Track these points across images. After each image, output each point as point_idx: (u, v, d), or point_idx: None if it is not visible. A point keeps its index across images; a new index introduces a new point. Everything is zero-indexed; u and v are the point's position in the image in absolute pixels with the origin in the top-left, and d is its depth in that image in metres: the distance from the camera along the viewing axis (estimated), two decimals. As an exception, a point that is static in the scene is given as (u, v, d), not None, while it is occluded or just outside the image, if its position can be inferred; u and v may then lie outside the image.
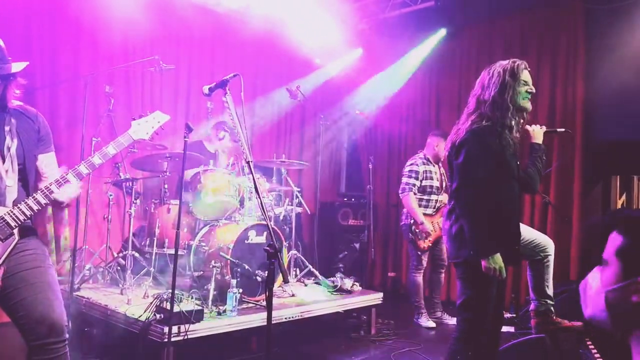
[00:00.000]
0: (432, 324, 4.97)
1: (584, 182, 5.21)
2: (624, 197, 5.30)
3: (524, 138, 2.69)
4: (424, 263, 5.05)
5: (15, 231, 2.06)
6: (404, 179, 4.92)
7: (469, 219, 2.41)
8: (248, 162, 2.20)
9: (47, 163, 2.27)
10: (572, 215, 5.20)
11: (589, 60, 5.24)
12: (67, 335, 2.15)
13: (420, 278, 5.02)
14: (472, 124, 2.51)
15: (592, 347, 3.58)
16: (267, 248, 2.04)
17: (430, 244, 4.93)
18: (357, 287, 4.72)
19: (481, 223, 2.40)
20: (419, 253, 4.94)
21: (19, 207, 2.05)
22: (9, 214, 2.03)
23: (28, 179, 2.19)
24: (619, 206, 5.26)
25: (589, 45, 5.26)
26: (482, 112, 2.51)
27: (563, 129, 2.93)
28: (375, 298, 4.67)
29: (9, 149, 2.09)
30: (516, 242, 2.61)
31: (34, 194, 2.07)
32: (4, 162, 2.07)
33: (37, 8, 4.58)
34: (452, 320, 5.12)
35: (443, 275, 5.22)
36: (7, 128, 2.11)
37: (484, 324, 2.46)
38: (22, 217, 2.05)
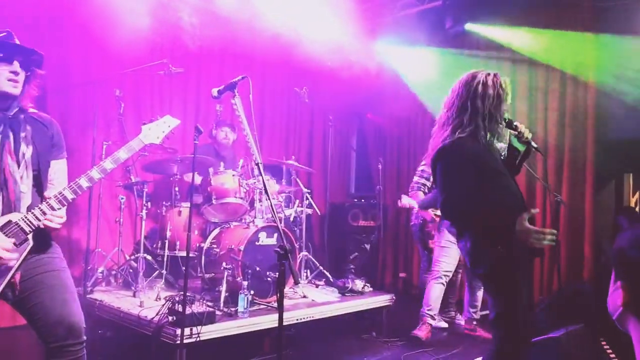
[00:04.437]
0: (444, 324, 4.94)
1: (596, 180, 5.15)
2: (637, 195, 5.25)
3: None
4: (436, 264, 5.03)
5: (30, 236, 2.07)
6: (415, 178, 4.89)
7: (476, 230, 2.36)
8: (257, 164, 2.21)
9: (56, 169, 2.29)
10: (584, 214, 5.15)
11: (600, 56, 5.18)
12: (84, 337, 2.17)
13: (431, 279, 5.00)
14: (453, 132, 2.44)
15: (606, 346, 3.54)
16: (278, 249, 2.04)
17: None
18: (368, 288, 4.71)
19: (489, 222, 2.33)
20: (427, 253, 4.93)
21: (32, 213, 2.06)
22: (23, 219, 2.05)
23: (42, 186, 2.21)
24: (632, 204, 5.21)
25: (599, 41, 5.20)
26: (465, 122, 2.42)
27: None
28: (386, 299, 4.66)
29: (24, 155, 2.11)
30: None
31: (48, 200, 2.09)
32: (18, 167, 2.09)
33: (47, 15, 4.62)
34: (464, 321, 5.09)
35: (459, 276, 5.19)
36: (22, 134, 2.14)
37: (520, 334, 2.37)
38: (36, 223, 2.06)
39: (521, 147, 2.54)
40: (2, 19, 3.65)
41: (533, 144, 2.48)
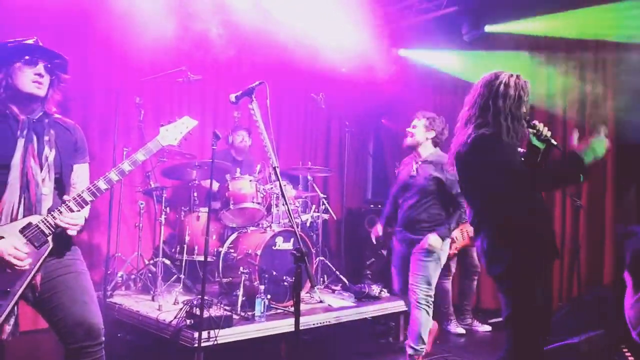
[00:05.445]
0: (461, 331, 4.91)
1: (616, 185, 5.07)
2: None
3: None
4: (452, 269, 5.01)
5: (50, 238, 2.11)
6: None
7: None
8: (274, 168, 2.23)
9: (79, 174, 2.34)
10: (604, 218, 5.06)
11: (620, 57, 5.10)
12: (103, 339, 2.21)
13: (448, 284, 4.98)
14: (476, 130, 2.46)
15: (628, 354, 3.48)
16: (294, 252, 2.06)
17: (456, 252, 4.87)
18: (385, 294, 4.70)
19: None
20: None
21: (52, 215, 2.10)
22: (43, 221, 2.09)
23: (64, 189, 2.27)
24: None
25: (619, 42, 5.11)
26: (489, 121, 2.45)
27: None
28: (403, 304, 4.63)
29: (47, 158, 2.17)
30: (553, 234, 2.56)
31: (67, 202, 2.13)
32: (41, 170, 2.14)
33: (69, 23, 4.72)
34: (482, 327, 5.05)
35: (475, 282, 5.16)
36: (46, 138, 2.20)
37: (534, 337, 2.36)
38: (54, 225, 2.11)
39: (541, 145, 2.52)
40: (26, 27, 3.74)
41: (553, 141, 2.47)
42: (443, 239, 3.56)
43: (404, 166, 3.98)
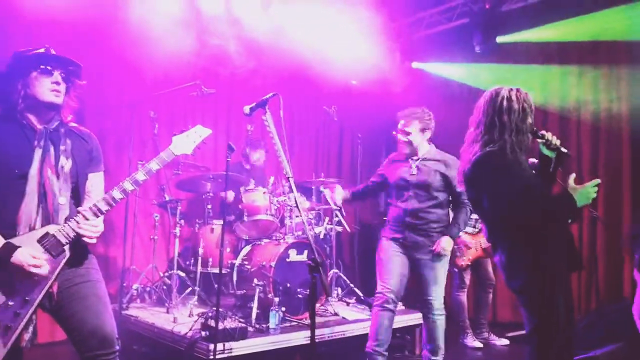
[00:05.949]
0: (478, 344, 4.83)
1: (634, 193, 4.99)
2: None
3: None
4: (467, 281, 4.95)
5: (66, 248, 2.13)
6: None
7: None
8: (288, 178, 2.24)
9: (93, 182, 2.35)
10: (622, 228, 4.98)
11: (633, 61, 5.04)
12: (117, 347, 2.22)
13: (464, 297, 4.92)
14: (483, 147, 2.45)
15: (650, 367, 3.41)
16: (309, 262, 2.05)
17: (469, 263, 4.82)
18: (400, 306, 4.65)
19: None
20: (457, 271, 4.86)
21: (68, 224, 2.13)
22: (60, 231, 2.11)
23: (80, 198, 2.29)
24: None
25: (631, 47, 5.06)
26: (495, 138, 2.43)
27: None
28: (418, 317, 4.57)
29: (63, 168, 2.19)
30: (571, 242, 2.52)
31: (83, 211, 2.15)
32: (58, 180, 2.17)
33: (84, 39, 4.81)
34: (499, 341, 4.97)
35: (490, 295, 5.09)
36: (62, 147, 2.22)
37: (556, 350, 2.31)
38: (72, 234, 2.13)
39: (551, 154, 2.52)
40: (41, 41, 3.83)
41: (562, 149, 2.46)
42: (454, 240, 3.59)
43: (394, 163, 3.77)
